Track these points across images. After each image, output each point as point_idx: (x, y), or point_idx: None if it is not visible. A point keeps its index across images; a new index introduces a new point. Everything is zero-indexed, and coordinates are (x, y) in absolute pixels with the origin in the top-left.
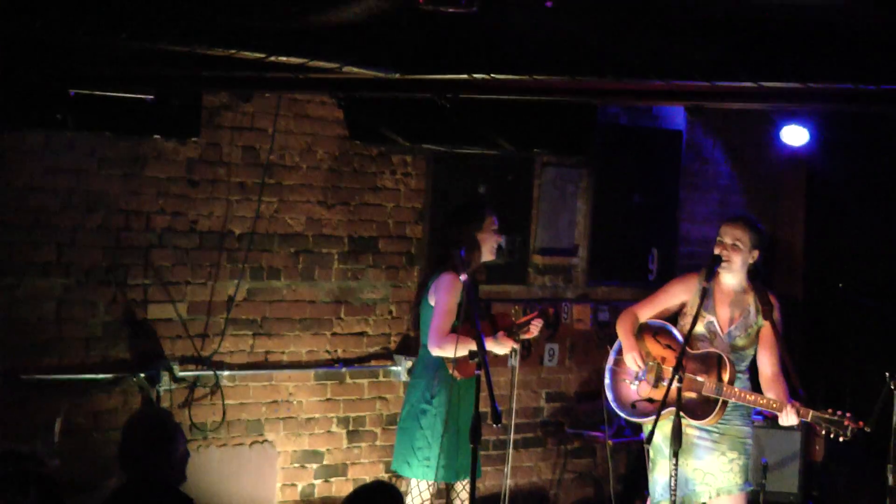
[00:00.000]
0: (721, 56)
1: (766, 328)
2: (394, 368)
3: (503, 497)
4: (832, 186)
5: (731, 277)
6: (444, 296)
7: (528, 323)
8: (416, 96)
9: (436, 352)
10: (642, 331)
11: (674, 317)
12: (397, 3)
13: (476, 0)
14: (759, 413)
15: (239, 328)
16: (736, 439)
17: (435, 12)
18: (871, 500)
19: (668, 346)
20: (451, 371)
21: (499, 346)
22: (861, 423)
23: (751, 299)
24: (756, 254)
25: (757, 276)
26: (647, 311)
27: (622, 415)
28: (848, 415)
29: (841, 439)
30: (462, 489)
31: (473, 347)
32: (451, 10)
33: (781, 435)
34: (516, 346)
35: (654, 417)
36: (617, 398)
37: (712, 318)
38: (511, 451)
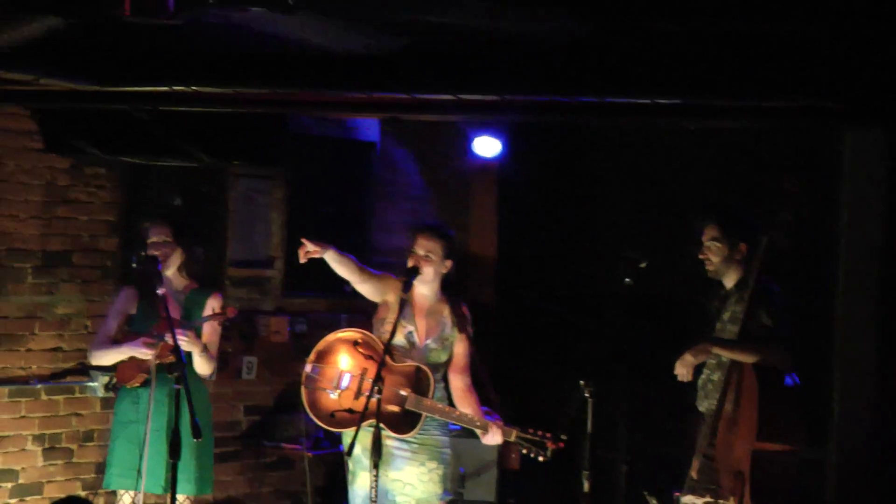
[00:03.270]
0: (419, 69)
1: (460, 340)
2: (90, 384)
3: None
4: (522, 195)
5: (426, 288)
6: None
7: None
8: (112, 108)
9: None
10: (344, 341)
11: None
12: (101, 15)
13: (182, 12)
14: None
15: None
16: (434, 449)
17: (141, 24)
18: None
19: (370, 357)
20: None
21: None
22: (562, 444)
23: (446, 311)
24: (449, 264)
25: (450, 287)
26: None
27: (321, 425)
28: (549, 435)
29: (541, 459)
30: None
31: (137, 354)
32: (157, 21)
33: (478, 444)
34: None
35: (353, 429)
36: (315, 408)
37: (412, 329)
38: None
